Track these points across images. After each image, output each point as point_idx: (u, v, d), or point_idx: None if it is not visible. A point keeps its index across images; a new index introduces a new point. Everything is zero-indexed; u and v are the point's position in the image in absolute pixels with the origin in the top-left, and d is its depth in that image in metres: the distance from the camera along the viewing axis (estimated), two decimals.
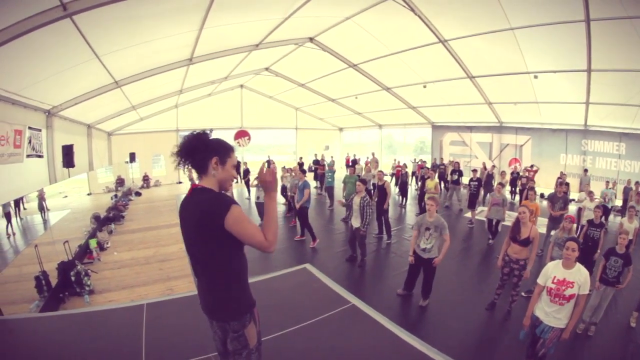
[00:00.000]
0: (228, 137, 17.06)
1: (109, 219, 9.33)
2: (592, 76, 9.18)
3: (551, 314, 3.21)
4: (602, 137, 12.65)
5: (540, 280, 3.28)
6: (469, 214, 9.43)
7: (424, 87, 12.11)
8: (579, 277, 3.12)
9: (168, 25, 6.50)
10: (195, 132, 1.95)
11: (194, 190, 1.93)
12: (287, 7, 7.49)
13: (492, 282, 5.30)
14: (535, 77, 9.87)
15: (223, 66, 11.11)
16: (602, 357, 4.15)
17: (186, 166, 1.95)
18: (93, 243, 6.98)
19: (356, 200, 6.12)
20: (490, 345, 4.25)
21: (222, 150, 1.96)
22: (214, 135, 2.05)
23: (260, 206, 8.58)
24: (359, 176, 9.50)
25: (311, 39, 10.23)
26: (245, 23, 7.68)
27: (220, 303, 1.96)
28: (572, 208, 7.81)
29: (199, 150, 1.90)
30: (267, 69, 13.63)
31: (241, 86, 16.77)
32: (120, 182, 14.35)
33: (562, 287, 3.13)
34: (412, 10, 7.83)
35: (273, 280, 5.23)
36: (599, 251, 5.41)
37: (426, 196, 7.80)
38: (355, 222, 6.13)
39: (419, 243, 4.79)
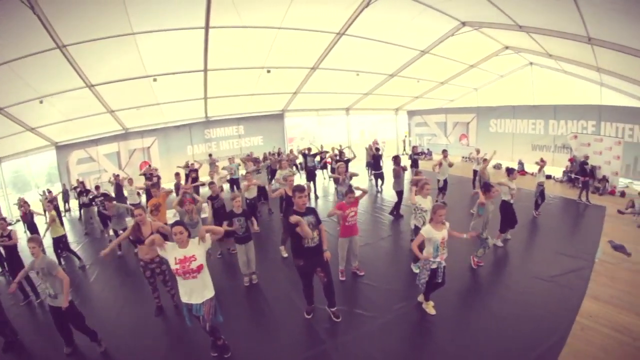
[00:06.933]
0: None
1: None
2: (208, 75, 11.14)
3: (194, 291, 3.31)
4: (223, 124, 15.84)
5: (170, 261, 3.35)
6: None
7: (41, 102, 10.16)
8: (196, 249, 3.34)
9: None
10: None
11: None
12: None
13: (149, 295, 5.13)
14: (155, 80, 10.30)
15: None
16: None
17: None
18: None
19: None
20: (168, 349, 4.25)
21: None
22: None
23: None
24: None
25: None
26: None
27: None
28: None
29: None
30: None
31: None
32: None
33: (186, 263, 3.23)
34: (32, 8, 6.45)
35: None
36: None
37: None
38: None
39: (44, 290, 4.36)
